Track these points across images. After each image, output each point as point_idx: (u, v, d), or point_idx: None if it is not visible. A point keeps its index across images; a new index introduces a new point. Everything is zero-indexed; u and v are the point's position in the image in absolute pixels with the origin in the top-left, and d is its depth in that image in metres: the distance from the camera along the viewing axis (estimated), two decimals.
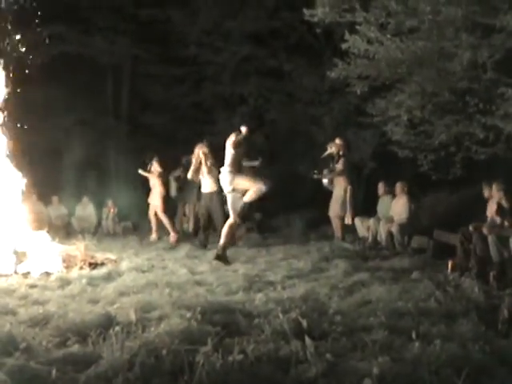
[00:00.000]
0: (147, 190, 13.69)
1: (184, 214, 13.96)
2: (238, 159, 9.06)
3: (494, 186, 8.18)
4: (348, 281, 6.96)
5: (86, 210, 15.06)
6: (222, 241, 8.88)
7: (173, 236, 12.18)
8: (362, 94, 11.40)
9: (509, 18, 8.37)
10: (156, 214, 12.68)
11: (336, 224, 11.57)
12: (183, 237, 12.75)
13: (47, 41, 16.04)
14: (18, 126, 10.38)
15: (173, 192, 14.17)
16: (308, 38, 16.72)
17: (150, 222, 13.02)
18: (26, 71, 10.70)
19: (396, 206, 10.84)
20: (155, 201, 12.67)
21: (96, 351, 4.09)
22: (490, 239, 7.58)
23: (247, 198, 8.95)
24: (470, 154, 10.94)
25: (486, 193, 8.83)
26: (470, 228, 8.02)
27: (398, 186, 10.84)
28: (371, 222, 11.05)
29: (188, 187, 13.48)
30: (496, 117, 9.78)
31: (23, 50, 10.59)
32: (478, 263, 7.59)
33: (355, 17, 10.04)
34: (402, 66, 10.30)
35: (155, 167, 12.69)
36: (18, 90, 10.31)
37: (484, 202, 8.85)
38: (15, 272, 7.87)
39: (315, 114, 16.40)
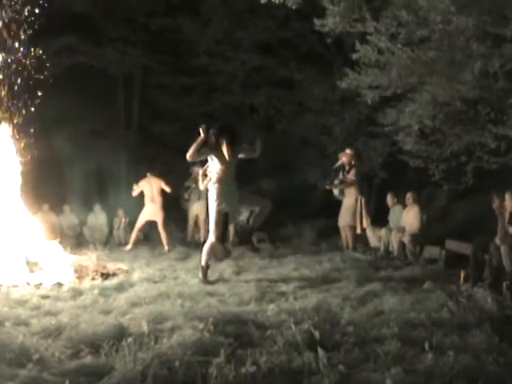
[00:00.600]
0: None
1: (195, 225, 13.95)
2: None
3: (507, 196, 8.13)
4: (360, 291, 6.95)
5: (98, 218, 15.07)
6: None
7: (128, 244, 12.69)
8: (372, 103, 11.41)
9: None
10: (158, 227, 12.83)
11: (347, 234, 11.56)
12: (194, 248, 12.75)
13: (59, 52, 16.19)
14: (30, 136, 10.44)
15: (183, 204, 14.19)
16: (318, 48, 16.74)
17: (159, 234, 13.07)
18: (38, 82, 10.76)
19: (407, 216, 10.81)
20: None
21: (109, 362, 4.10)
22: (503, 249, 7.54)
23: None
24: (482, 163, 10.92)
25: (495, 203, 8.74)
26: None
27: (409, 196, 10.81)
28: (383, 231, 11.03)
29: (196, 198, 13.53)
30: (507, 126, 9.77)
31: (35, 61, 10.66)
32: (493, 274, 7.55)
33: (366, 27, 10.04)
34: (413, 75, 10.29)
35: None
36: (30, 101, 10.40)
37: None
38: (27, 283, 7.88)
39: (326, 123, 16.39)
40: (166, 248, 12.42)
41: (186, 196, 13.91)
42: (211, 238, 8.22)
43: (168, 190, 12.72)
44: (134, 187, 12.79)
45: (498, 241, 7.74)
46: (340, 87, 11.62)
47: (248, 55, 17.82)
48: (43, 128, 12.72)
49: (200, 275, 8.13)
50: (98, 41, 17.71)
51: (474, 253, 8.08)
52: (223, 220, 9.66)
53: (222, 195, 8.11)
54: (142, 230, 13.28)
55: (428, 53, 9.71)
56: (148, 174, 12.94)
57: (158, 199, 12.82)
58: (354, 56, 10.56)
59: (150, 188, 12.78)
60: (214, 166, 8.23)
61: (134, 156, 18.19)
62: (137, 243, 13.83)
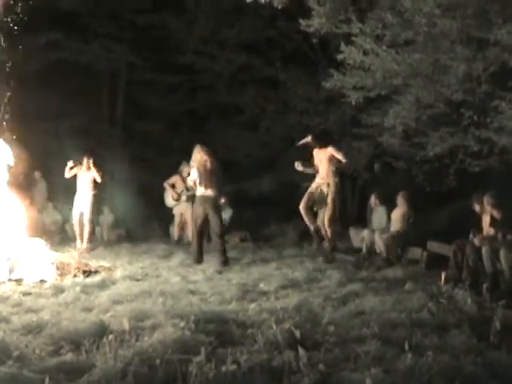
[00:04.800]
0: (143, 197, 13.77)
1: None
2: None
3: (485, 199, 8.21)
4: (341, 291, 6.98)
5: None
6: None
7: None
8: (357, 104, 11.44)
9: (503, 32, 8.43)
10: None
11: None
12: (180, 246, 12.75)
13: (44, 47, 16.09)
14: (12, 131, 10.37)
15: (168, 202, 14.03)
16: (304, 48, 16.76)
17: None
18: (22, 77, 10.70)
19: (395, 215, 10.81)
20: None
21: (89, 360, 4.10)
22: (484, 251, 7.61)
23: None
24: (464, 165, 10.99)
25: (476, 207, 8.79)
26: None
27: (400, 195, 10.76)
28: (365, 232, 11.05)
29: (185, 198, 13.48)
30: (490, 130, 9.84)
31: (20, 56, 10.60)
32: (471, 275, 7.62)
33: (351, 28, 10.09)
34: (397, 77, 10.34)
35: None
36: (14, 97, 10.33)
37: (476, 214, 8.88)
38: (9, 279, 7.85)
39: (310, 123, 16.40)
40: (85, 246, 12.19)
41: (174, 195, 13.77)
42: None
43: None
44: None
45: (476, 241, 7.82)
46: (325, 87, 11.66)
47: (234, 54, 17.81)
48: (26, 124, 12.66)
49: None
50: (83, 37, 17.63)
51: (454, 254, 8.16)
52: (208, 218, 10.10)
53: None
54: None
55: (412, 55, 9.77)
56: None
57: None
58: (339, 57, 10.60)
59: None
60: None
61: (117, 153, 18.11)
62: (119, 240, 13.83)
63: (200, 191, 10.17)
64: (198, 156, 10.27)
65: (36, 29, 14.94)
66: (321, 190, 10.10)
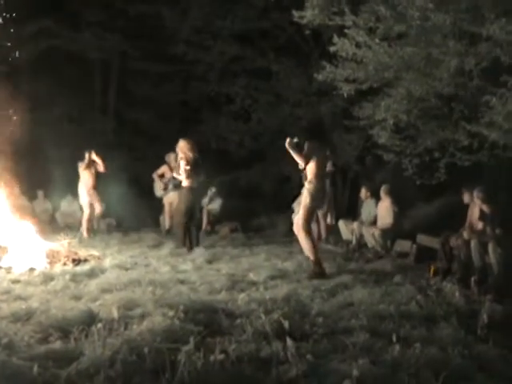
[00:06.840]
0: (134, 186, 13.74)
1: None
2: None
3: (474, 193, 8.27)
4: (330, 283, 6.99)
5: (71, 206, 14.96)
6: None
7: None
8: (348, 97, 11.42)
9: (495, 27, 8.44)
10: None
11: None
12: (168, 236, 12.75)
13: (35, 35, 16.03)
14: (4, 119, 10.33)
15: (157, 192, 13.99)
16: (297, 40, 16.74)
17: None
18: (14, 65, 10.64)
19: (380, 209, 10.89)
20: None
21: (78, 348, 4.11)
22: (473, 244, 7.66)
23: None
24: (454, 159, 11.02)
25: (465, 198, 8.90)
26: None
27: (383, 189, 10.89)
28: (355, 225, 11.10)
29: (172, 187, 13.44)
30: (481, 124, 9.85)
31: (11, 43, 10.54)
32: (462, 268, 7.66)
33: (344, 20, 10.05)
34: (389, 70, 10.33)
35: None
36: (5, 86, 10.29)
37: (466, 207, 8.94)
38: None
39: (302, 115, 16.40)
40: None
41: (162, 185, 13.73)
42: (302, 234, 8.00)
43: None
44: None
45: (465, 235, 7.87)
46: (317, 79, 11.64)
47: (226, 45, 17.76)
48: (18, 112, 12.62)
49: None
50: (75, 25, 17.56)
51: (442, 247, 8.21)
52: (194, 209, 10.15)
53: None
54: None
55: (405, 48, 9.75)
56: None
57: None
58: (332, 49, 10.56)
59: None
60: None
61: (109, 142, 18.07)
62: (109, 229, 13.83)
63: (188, 183, 10.47)
64: (182, 149, 10.66)
65: (28, 16, 14.88)
66: None
